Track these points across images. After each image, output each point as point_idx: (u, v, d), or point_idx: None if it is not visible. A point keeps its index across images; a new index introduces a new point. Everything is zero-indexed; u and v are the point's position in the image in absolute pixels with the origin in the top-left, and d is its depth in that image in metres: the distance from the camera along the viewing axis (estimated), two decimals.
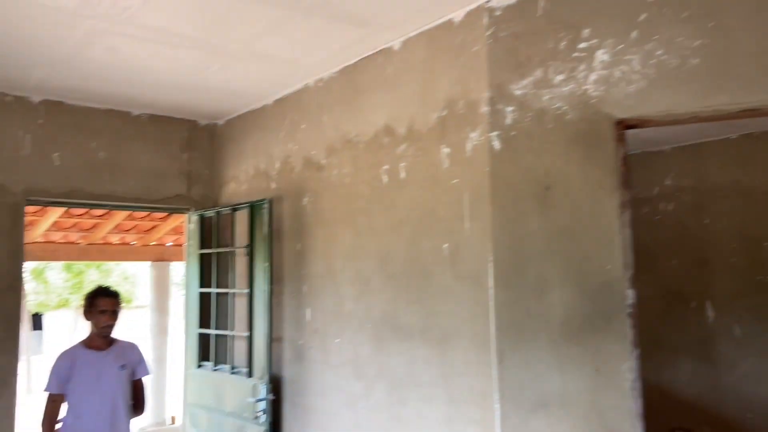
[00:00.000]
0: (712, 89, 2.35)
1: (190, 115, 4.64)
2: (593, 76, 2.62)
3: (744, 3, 2.30)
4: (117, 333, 3.65)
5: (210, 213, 4.46)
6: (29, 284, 17.37)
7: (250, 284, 4.01)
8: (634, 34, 2.50)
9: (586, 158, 2.64)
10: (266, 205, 3.92)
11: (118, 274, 17.85)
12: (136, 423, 3.69)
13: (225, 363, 4.22)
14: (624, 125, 2.58)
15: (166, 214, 6.58)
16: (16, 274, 3.90)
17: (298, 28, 3.09)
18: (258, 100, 4.24)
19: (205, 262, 4.49)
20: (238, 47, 3.29)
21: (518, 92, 2.74)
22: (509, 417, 2.64)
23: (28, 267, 16.75)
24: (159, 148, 4.53)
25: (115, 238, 6.91)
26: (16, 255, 3.90)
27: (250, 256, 4.03)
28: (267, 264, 3.87)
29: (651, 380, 4.81)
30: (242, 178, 4.47)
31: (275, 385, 3.85)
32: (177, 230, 6.99)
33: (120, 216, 6.23)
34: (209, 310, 4.37)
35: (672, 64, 2.43)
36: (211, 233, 4.47)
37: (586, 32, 2.60)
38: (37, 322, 20.57)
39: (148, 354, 3.82)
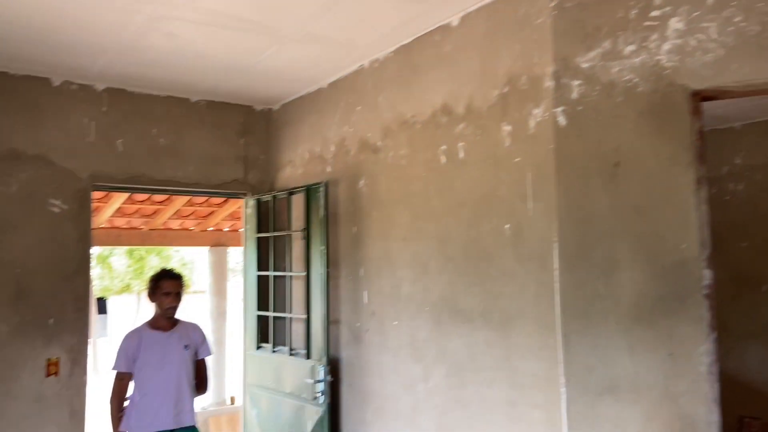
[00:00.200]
0: None
1: (246, 101, 4.68)
2: (666, 46, 2.48)
3: None
4: (180, 314, 3.74)
5: (266, 197, 4.50)
6: (94, 270, 18.12)
7: (307, 267, 4.03)
8: (710, 0, 2.34)
9: (659, 132, 2.50)
10: (322, 189, 3.92)
11: (177, 260, 18.41)
12: (198, 402, 3.77)
13: (283, 345, 4.27)
14: (700, 97, 2.44)
15: (223, 200, 6.70)
16: (84, 257, 4.03)
17: (353, 8, 3.04)
18: (312, 83, 4.23)
19: (262, 246, 4.54)
20: (293, 29, 3.28)
21: (585, 65, 2.62)
22: (575, 401, 2.55)
23: (94, 252, 17.47)
24: (216, 134, 4.59)
25: (175, 224, 7.09)
26: (84, 239, 4.03)
27: (307, 239, 4.05)
28: (323, 247, 3.87)
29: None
30: (298, 163, 4.48)
31: (333, 367, 3.87)
32: (234, 216, 7.12)
33: (180, 202, 6.38)
34: (267, 293, 4.43)
35: (752, 31, 2.28)
36: (267, 217, 4.51)
37: (658, 0, 2.46)
38: (101, 306, 21.48)
39: (208, 336, 3.89)
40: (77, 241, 4.00)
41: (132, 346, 3.51)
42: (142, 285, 17.04)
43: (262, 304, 4.49)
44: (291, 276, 4.27)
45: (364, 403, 3.69)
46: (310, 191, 4.05)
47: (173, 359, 3.53)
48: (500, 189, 2.91)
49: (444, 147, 3.22)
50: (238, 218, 7.17)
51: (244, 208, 4.75)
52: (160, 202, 6.44)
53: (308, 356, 3.94)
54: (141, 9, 3.03)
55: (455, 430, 3.08)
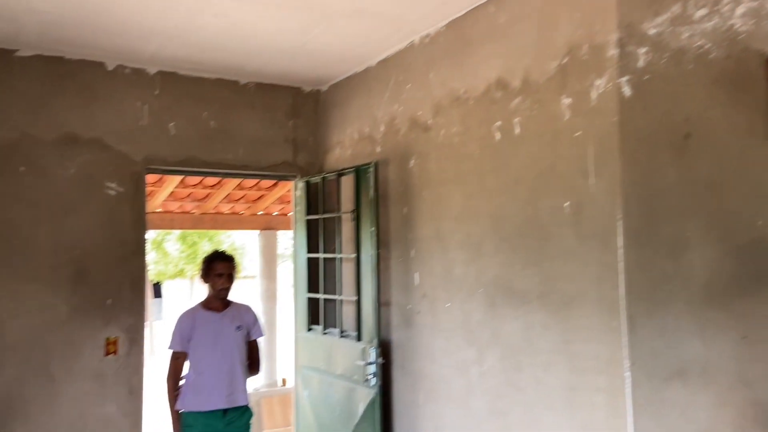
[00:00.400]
0: None
1: (295, 82, 4.65)
2: (740, 10, 2.31)
3: None
4: (232, 296, 3.76)
5: (316, 179, 4.47)
6: (149, 254, 18.67)
7: (357, 249, 3.99)
8: None
9: (733, 102, 2.34)
10: (371, 169, 3.86)
11: (228, 245, 18.77)
12: (250, 383, 3.80)
13: (334, 327, 4.26)
14: None
15: (272, 183, 6.73)
16: (139, 239, 4.10)
17: None
18: (361, 62, 4.16)
19: (312, 228, 4.53)
20: (343, 4, 3.21)
21: (652, 31, 2.46)
22: (641, 386, 2.43)
23: (149, 237, 17.98)
24: (265, 116, 4.58)
25: (225, 208, 7.18)
26: (139, 221, 4.09)
27: (357, 220, 4.01)
28: (373, 228, 3.82)
29: None
30: (347, 143, 4.43)
31: (384, 349, 3.83)
32: (283, 199, 7.16)
33: (230, 186, 6.45)
34: (317, 275, 4.41)
35: None
36: (317, 199, 4.48)
37: None
38: (157, 290, 22.16)
39: (259, 318, 3.91)
40: (133, 224, 4.07)
41: (186, 326, 3.56)
42: (195, 270, 17.45)
43: (313, 286, 4.48)
44: (341, 258, 4.24)
45: (416, 386, 3.64)
46: (359, 172, 4.00)
47: (226, 340, 3.56)
48: (559, 165, 2.79)
49: (499, 123, 3.11)
50: (288, 202, 7.20)
51: (294, 190, 4.74)
52: (212, 186, 6.52)
53: (359, 338, 3.91)
54: None
55: (510, 414, 2.99)
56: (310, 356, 4.42)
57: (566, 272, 2.74)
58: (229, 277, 3.63)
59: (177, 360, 3.55)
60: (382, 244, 3.91)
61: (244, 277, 19.65)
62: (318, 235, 4.43)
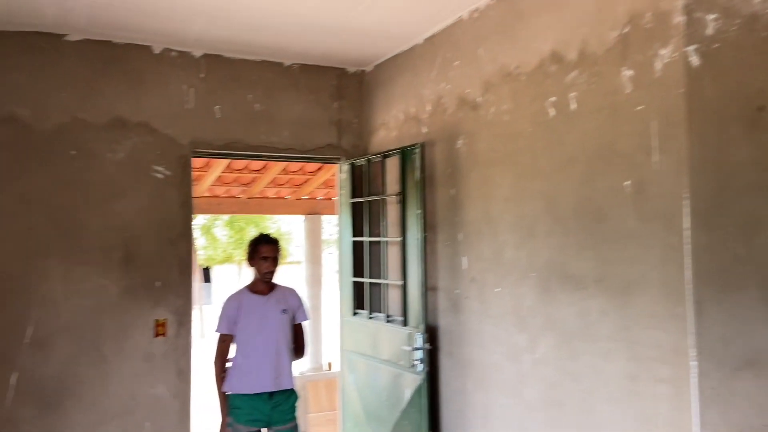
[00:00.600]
0: None
1: (339, 63, 4.57)
2: None
3: None
4: (277, 279, 3.74)
5: (360, 161, 4.39)
6: (199, 240, 19.07)
7: (403, 232, 3.90)
8: None
9: None
10: (417, 150, 3.75)
11: (274, 232, 19.00)
12: (296, 367, 3.77)
13: (379, 311, 4.19)
14: None
15: (317, 167, 6.70)
16: (186, 223, 4.11)
17: None
18: (407, 40, 4.04)
19: (356, 211, 4.46)
20: None
21: None
22: (708, 376, 2.27)
23: (197, 222, 18.33)
24: (310, 98, 4.52)
25: (271, 192, 7.20)
26: (186, 204, 4.11)
27: (402, 203, 3.91)
28: (420, 211, 3.72)
29: None
30: (392, 125, 4.33)
31: (431, 335, 3.74)
32: (327, 183, 7.12)
33: (275, 170, 6.44)
34: (362, 259, 4.35)
35: None
36: (362, 182, 4.41)
37: None
38: (206, 275, 22.67)
39: (305, 302, 3.88)
40: (180, 207, 4.08)
41: (232, 308, 3.55)
42: (242, 255, 17.73)
43: (358, 270, 4.42)
44: (386, 241, 4.16)
45: (464, 373, 3.54)
46: (405, 153, 3.90)
47: (271, 323, 3.54)
48: (619, 141, 2.62)
49: (553, 98, 2.95)
50: (333, 186, 7.17)
51: (338, 173, 4.68)
52: (257, 171, 6.53)
53: (405, 323, 3.83)
54: None
55: (565, 404, 2.86)
56: (356, 341, 4.38)
57: (626, 255, 2.59)
58: (275, 261, 3.60)
59: (224, 343, 3.56)
60: (428, 227, 3.80)
61: (290, 263, 19.90)
62: (363, 218, 4.36)
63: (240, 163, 6.36)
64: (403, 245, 3.88)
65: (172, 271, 4.01)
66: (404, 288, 3.86)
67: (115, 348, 3.83)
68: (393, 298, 4.12)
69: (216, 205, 7.19)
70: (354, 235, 4.46)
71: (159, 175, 4.03)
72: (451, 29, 3.68)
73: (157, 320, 3.94)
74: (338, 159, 4.62)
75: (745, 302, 2.29)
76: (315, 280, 8.06)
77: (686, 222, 2.33)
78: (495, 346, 3.29)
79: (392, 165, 4.11)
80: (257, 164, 6.42)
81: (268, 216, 17.37)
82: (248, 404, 3.46)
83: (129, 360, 3.87)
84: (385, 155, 4.11)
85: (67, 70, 3.84)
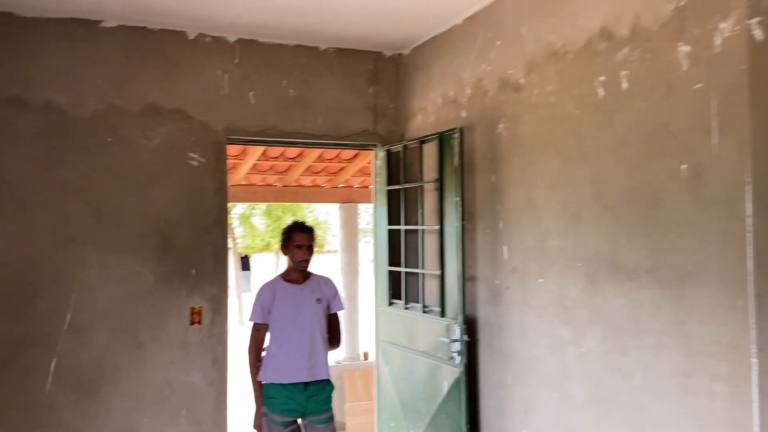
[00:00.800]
0: None
1: (375, 47, 4.45)
2: None
3: None
4: (313, 268, 3.67)
5: (397, 147, 4.28)
6: (238, 229, 19.28)
7: (441, 220, 3.77)
8: None
9: None
10: (456, 135, 3.61)
11: (311, 220, 19.06)
12: (332, 356, 3.70)
13: (416, 301, 4.08)
14: None
15: (353, 155, 6.62)
16: (221, 210, 4.08)
17: None
18: (445, 21, 3.90)
19: (393, 199, 4.35)
20: None
21: None
22: None
23: (235, 211, 18.54)
24: (345, 83, 4.42)
25: (306, 180, 7.15)
26: (221, 192, 4.07)
27: (440, 190, 3.79)
28: (458, 198, 3.58)
29: None
30: (429, 109, 4.20)
31: (470, 327, 3.62)
32: (363, 171, 7.04)
33: (311, 158, 6.39)
34: (399, 248, 4.25)
35: None
36: (398, 169, 4.29)
37: None
38: (245, 263, 22.96)
39: (340, 291, 3.80)
40: (214, 194, 4.04)
41: (266, 297, 3.49)
42: (279, 239, 17.82)
43: (394, 259, 4.32)
44: (423, 230, 4.04)
45: (505, 366, 3.41)
46: (443, 138, 3.77)
47: (306, 312, 3.47)
48: (675, 122, 2.45)
49: (602, 78, 2.78)
50: (368, 174, 7.08)
51: (374, 160, 4.57)
52: (293, 158, 6.49)
53: (443, 314, 3.72)
54: None
55: (613, 401, 2.71)
56: (392, 331, 4.28)
57: (681, 244, 2.42)
58: (309, 249, 3.53)
59: (258, 331, 3.51)
60: (467, 215, 3.67)
61: (328, 252, 19.96)
62: (399, 206, 4.25)
63: (275, 151, 6.31)
64: (441, 234, 3.76)
65: (207, 259, 3.98)
66: (442, 278, 3.75)
67: (151, 335, 3.83)
68: (430, 288, 4.01)
69: (252, 194, 7.19)
70: (390, 224, 4.35)
71: (194, 163, 3.99)
72: (492, 8, 3.52)
73: (192, 308, 3.92)
74: (374, 145, 4.52)
75: None
76: (351, 269, 8.00)
77: (748, 208, 2.15)
78: (538, 338, 3.15)
79: (430, 151, 3.98)
80: (293, 152, 6.36)
81: (305, 205, 17.41)
82: (283, 394, 3.41)
83: (165, 347, 3.86)
84: (423, 141, 3.98)
85: (103, 57, 3.82)
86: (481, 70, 3.62)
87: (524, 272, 3.26)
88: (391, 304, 4.33)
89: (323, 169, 6.94)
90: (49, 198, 3.67)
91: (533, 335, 3.19)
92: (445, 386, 3.60)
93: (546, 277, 3.10)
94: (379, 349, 4.45)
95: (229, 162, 5.32)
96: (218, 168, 4.06)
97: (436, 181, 3.84)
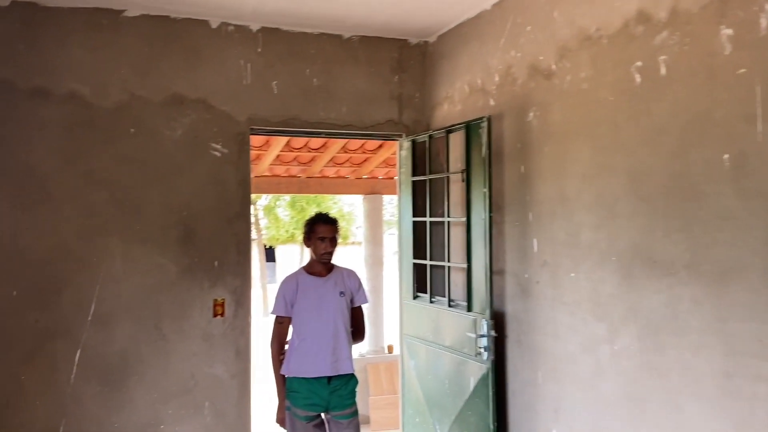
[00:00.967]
0: None
1: (401, 34, 4.35)
2: None
3: None
4: (336, 260, 3.60)
5: (422, 137, 4.18)
6: (262, 220, 19.37)
7: (467, 212, 3.67)
8: None
9: None
10: (484, 124, 3.50)
11: (336, 212, 19.05)
12: (356, 349, 3.63)
13: (441, 295, 3.99)
14: None
15: (377, 145, 6.54)
16: (244, 201, 4.03)
17: None
18: (473, 6, 3.78)
19: (418, 190, 4.26)
20: None
21: None
22: None
23: (260, 202, 18.62)
24: (370, 72, 4.33)
25: (330, 171, 7.09)
26: (244, 183, 4.02)
27: (467, 181, 3.68)
28: (486, 189, 3.47)
29: None
30: (456, 98, 4.09)
31: (497, 322, 3.52)
32: (388, 162, 6.95)
33: (335, 148, 6.32)
34: (424, 240, 4.15)
35: None
36: (423, 159, 4.20)
37: None
38: (270, 254, 23.07)
39: (364, 284, 3.72)
40: (237, 185, 4.00)
41: (289, 290, 3.44)
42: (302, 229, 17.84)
43: (418, 251, 4.23)
44: (449, 222, 3.94)
45: (534, 363, 3.31)
46: (470, 128, 3.66)
47: (329, 305, 3.41)
48: (717, 110, 2.31)
49: (639, 63, 2.65)
50: (393, 165, 6.99)
51: (399, 150, 4.48)
52: (317, 149, 6.43)
53: (469, 308, 3.62)
54: None
55: (648, 401, 2.60)
56: (416, 325, 4.21)
57: (723, 238, 2.29)
58: (332, 241, 3.45)
59: (280, 324, 3.45)
60: (495, 206, 3.57)
61: (352, 243, 19.94)
62: (424, 197, 4.16)
63: (299, 142, 6.26)
64: (468, 226, 3.66)
65: (230, 251, 3.95)
66: (468, 271, 3.65)
67: (174, 327, 3.81)
68: (456, 281, 3.92)
69: (275, 185, 7.16)
70: (415, 215, 4.26)
71: (216, 153, 3.95)
72: None
73: (215, 300, 3.90)
74: (399, 135, 4.43)
75: None
76: (376, 261, 7.94)
77: None
78: (569, 335, 3.04)
79: (456, 141, 3.88)
80: (316, 143, 6.30)
81: (329, 196, 17.39)
82: (306, 388, 3.35)
83: (188, 339, 3.84)
84: (449, 130, 3.88)
85: (126, 47, 3.79)
86: (510, 56, 3.50)
87: (555, 266, 3.15)
88: (416, 297, 4.25)
89: (347, 160, 6.88)
90: (73, 188, 3.66)
91: (564, 332, 3.08)
92: (472, 382, 3.52)
93: (578, 271, 2.99)
94: (404, 343, 4.38)
95: (253, 153, 5.29)
96: (241, 159, 4.02)
97: (462, 171, 3.73)
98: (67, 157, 3.65)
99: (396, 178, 4.58)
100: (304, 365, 3.35)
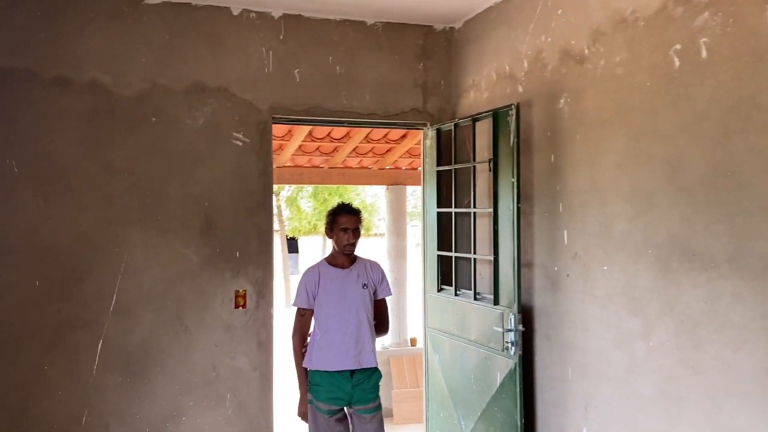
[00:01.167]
0: None
1: (426, 20, 4.24)
2: None
3: None
4: (359, 252, 3.53)
5: (447, 126, 4.07)
6: (284, 211, 19.39)
7: (494, 203, 3.57)
8: None
9: None
10: (513, 112, 3.38)
11: (358, 203, 18.99)
12: (378, 342, 3.54)
13: (467, 288, 3.90)
14: None
15: (401, 135, 6.44)
16: (266, 191, 3.97)
17: None
18: None
19: (443, 180, 4.16)
20: None
21: None
22: None
23: (283, 193, 18.64)
24: (393, 59, 4.23)
25: (353, 162, 7.02)
26: (266, 173, 3.96)
27: (494, 171, 3.57)
28: (514, 179, 3.36)
29: None
30: (483, 86, 3.97)
31: (525, 315, 3.42)
32: (411, 152, 6.85)
33: (358, 138, 6.24)
34: (449, 232, 4.06)
35: None
36: (449, 148, 4.09)
37: None
38: (292, 245, 23.14)
39: (388, 276, 3.64)
40: (259, 175, 3.94)
41: (311, 282, 3.37)
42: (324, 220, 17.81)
43: (443, 243, 4.14)
44: (475, 213, 3.84)
45: (564, 359, 3.20)
46: (498, 115, 3.55)
47: (352, 298, 3.34)
48: (762, 94, 2.19)
49: (678, 46, 2.51)
50: (416, 155, 6.88)
51: (423, 139, 4.38)
52: (339, 139, 6.35)
53: (496, 302, 3.52)
54: None
55: (685, 399, 2.49)
56: (441, 319, 4.12)
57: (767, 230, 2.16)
58: (355, 232, 3.38)
59: (302, 317, 3.39)
60: (523, 197, 3.46)
61: (375, 235, 19.88)
62: (450, 187, 4.06)
63: (321, 132, 6.18)
64: (495, 217, 3.56)
65: (251, 242, 3.90)
66: (495, 263, 3.55)
67: (195, 318, 3.78)
68: (482, 274, 3.82)
69: (298, 175, 7.10)
70: (439, 206, 4.17)
71: (238, 143, 3.89)
72: None
73: (237, 291, 3.85)
74: (423, 124, 4.33)
75: None
76: (399, 253, 7.85)
77: None
78: (601, 330, 2.93)
79: (483, 129, 3.77)
80: (339, 133, 6.23)
81: (351, 187, 17.32)
82: (328, 382, 3.29)
83: (209, 330, 3.80)
84: (476, 118, 3.77)
85: (147, 35, 3.74)
86: (540, 41, 3.38)
87: (587, 259, 3.04)
88: (440, 290, 4.16)
89: (370, 150, 6.79)
90: (94, 178, 3.63)
91: (596, 327, 2.97)
92: (499, 378, 3.42)
93: (611, 264, 2.87)
94: (428, 336, 4.29)
95: (275, 143, 5.22)
96: (263, 148, 3.95)
97: (489, 161, 3.62)
98: (88, 146, 3.62)
99: (420, 168, 4.48)
100: (327, 358, 3.29)
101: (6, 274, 3.46)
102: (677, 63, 2.52)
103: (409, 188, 8.36)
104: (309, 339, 3.41)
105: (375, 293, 3.46)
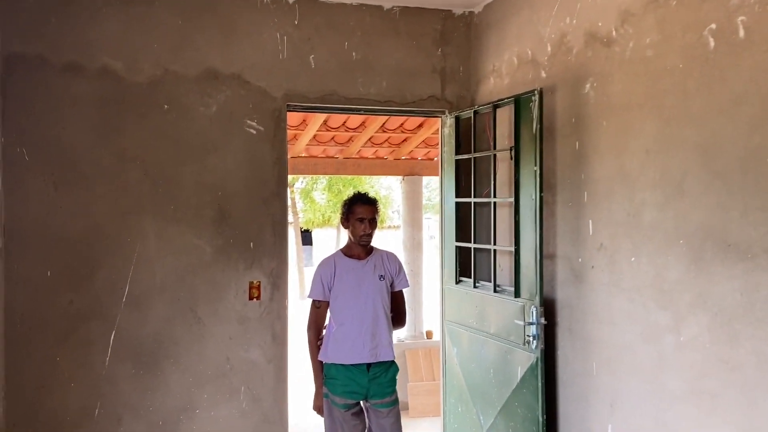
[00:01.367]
0: None
1: (444, 4, 4.12)
2: None
3: None
4: (376, 242, 3.44)
5: (467, 113, 3.96)
6: (299, 203, 19.37)
7: (516, 192, 3.45)
8: None
9: None
10: (535, 97, 3.26)
11: (373, 194, 18.88)
12: (394, 334, 3.45)
13: (486, 280, 3.79)
14: None
15: (417, 125, 6.31)
16: (281, 181, 3.89)
17: None
18: None
19: (461, 169, 4.05)
20: None
21: None
22: None
23: (297, 185, 18.60)
24: (411, 45, 4.12)
25: (368, 152, 6.91)
26: (280, 162, 3.88)
27: (515, 159, 3.46)
28: (536, 168, 3.25)
29: None
30: (503, 71, 3.85)
31: (547, 308, 3.31)
32: (428, 143, 6.73)
33: (373, 128, 6.13)
34: (467, 222, 3.95)
35: None
36: (468, 136, 3.98)
37: None
38: (306, 237, 23.14)
39: (404, 267, 3.55)
40: (273, 164, 3.86)
41: (327, 273, 3.29)
42: (339, 211, 17.76)
43: (462, 234, 4.03)
44: (495, 202, 3.73)
45: (588, 353, 3.09)
46: (519, 102, 3.43)
47: (368, 289, 3.25)
48: None
49: (713, 26, 2.38)
50: (433, 145, 6.76)
51: (441, 127, 4.27)
52: (354, 129, 6.24)
53: (517, 294, 3.42)
54: None
55: (719, 396, 2.37)
56: (459, 311, 4.02)
57: None
58: (372, 223, 3.29)
59: (317, 309, 3.32)
60: (546, 186, 3.34)
61: (389, 227, 19.79)
62: (469, 177, 3.94)
63: (336, 121, 6.08)
64: (516, 207, 3.44)
65: (266, 232, 3.82)
66: (516, 255, 3.44)
67: (209, 310, 3.71)
68: (502, 266, 3.71)
69: (312, 166, 7.00)
70: (458, 196, 4.06)
71: (252, 131, 3.81)
72: None
73: (251, 282, 3.78)
74: (441, 112, 4.21)
75: None
76: (414, 244, 7.74)
77: None
78: (628, 324, 2.81)
79: (504, 116, 3.65)
80: (354, 122, 6.12)
81: (366, 179, 17.23)
82: (344, 375, 3.22)
83: (223, 322, 3.74)
84: (496, 105, 3.65)
85: (159, 21, 3.66)
86: (564, 24, 3.25)
87: (613, 250, 2.92)
88: (458, 282, 4.06)
89: (386, 140, 6.67)
90: (106, 167, 3.57)
91: (623, 320, 2.85)
92: (519, 372, 3.32)
93: (639, 255, 2.75)
94: (446, 329, 4.20)
95: (289, 133, 5.14)
96: (277, 136, 3.87)
97: (510, 149, 3.51)
98: (100, 133, 3.56)
99: (437, 158, 4.38)
100: (343, 351, 3.21)
101: (17, 264, 3.42)
102: (712, 44, 2.39)
103: (423, 179, 8.24)
104: (324, 331, 3.34)
105: (392, 285, 3.37)
